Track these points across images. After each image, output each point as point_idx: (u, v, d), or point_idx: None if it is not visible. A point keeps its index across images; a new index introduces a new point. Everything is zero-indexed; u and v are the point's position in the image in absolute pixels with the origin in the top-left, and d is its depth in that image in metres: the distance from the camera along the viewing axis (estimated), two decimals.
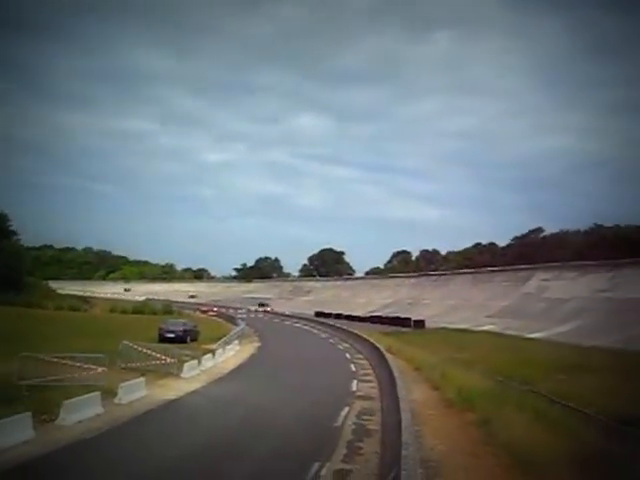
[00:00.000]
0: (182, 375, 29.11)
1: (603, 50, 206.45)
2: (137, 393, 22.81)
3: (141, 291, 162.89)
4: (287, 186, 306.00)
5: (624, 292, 76.31)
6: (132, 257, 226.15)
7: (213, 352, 36.76)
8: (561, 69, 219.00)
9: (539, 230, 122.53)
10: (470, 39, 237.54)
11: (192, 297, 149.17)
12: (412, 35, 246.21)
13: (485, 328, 77.17)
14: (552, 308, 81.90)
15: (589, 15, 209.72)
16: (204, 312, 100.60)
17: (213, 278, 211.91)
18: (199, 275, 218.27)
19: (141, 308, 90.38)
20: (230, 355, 40.28)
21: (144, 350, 30.26)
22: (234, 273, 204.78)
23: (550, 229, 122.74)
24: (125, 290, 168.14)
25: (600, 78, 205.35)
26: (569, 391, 31.36)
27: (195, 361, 31.76)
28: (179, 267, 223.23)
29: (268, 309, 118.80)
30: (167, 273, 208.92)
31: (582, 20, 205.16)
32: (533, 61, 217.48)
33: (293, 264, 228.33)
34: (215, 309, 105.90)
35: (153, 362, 29.74)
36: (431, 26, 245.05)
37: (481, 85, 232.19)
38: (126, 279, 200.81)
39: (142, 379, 24.28)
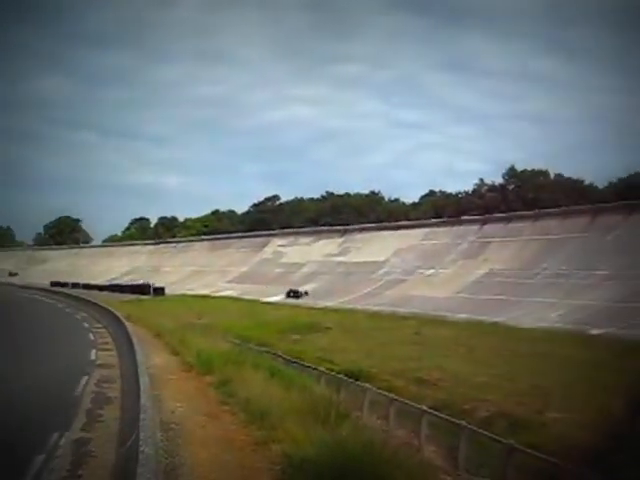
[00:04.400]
0: None
1: (342, 27, 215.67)
2: None
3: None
4: (25, 150, 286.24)
5: (353, 256, 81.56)
6: None
7: None
8: (302, 43, 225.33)
9: (275, 197, 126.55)
10: (217, 8, 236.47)
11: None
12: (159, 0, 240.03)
13: (225, 293, 78.81)
14: (289, 273, 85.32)
15: None
16: None
17: None
18: None
19: None
20: None
21: None
22: None
23: (286, 196, 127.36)
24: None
25: (336, 54, 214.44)
26: (302, 350, 33.27)
27: None
28: None
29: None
30: None
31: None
32: (276, 34, 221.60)
33: (27, 233, 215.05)
34: None
35: None
36: None
37: (227, 54, 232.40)
38: None
39: None
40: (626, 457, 9.47)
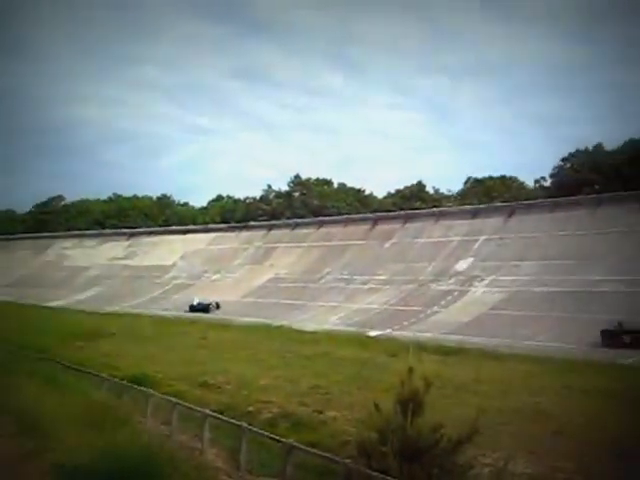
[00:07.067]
0: None
1: (137, 29, 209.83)
2: None
3: None
4: None
5: (139, 259, 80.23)
6: None
7: None
8: (96, 41, 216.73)
9: (60, 198, 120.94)
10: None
11: None
12: None
13: (1, 298, 74.53)
14: (72, 276, 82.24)
15: None
16: None
17: None
18: None
19: None
20: None
21: None
22: None
23: (76, 197, 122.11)
24: None
25: (131, 55, 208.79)
26: (86, 356, 32.24)
27: None
28: None
29: None
30: None
31: None
32: (70, 30, 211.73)
33: None
34: None
35: None
36: None
37: (16, 46, 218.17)
38: None
39: None
40: (390, 449, 10.17)
